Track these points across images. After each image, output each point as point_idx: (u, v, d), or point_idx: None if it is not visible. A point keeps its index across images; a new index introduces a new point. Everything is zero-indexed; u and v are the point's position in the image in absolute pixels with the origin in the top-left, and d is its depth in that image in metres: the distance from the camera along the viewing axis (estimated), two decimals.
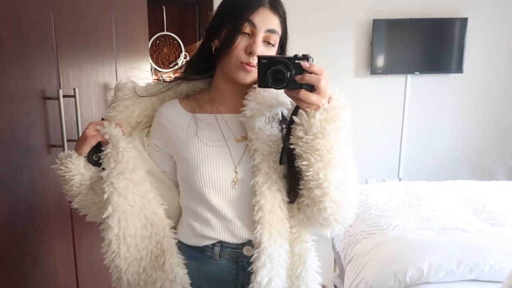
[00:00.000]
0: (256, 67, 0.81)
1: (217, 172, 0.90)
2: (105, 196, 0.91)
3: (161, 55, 3.03)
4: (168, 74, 3.03)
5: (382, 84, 3.46)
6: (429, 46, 3.32)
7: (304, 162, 0.81)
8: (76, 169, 0.92)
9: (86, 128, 0.93)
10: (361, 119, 3.40)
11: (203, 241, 0.95)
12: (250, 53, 0.85)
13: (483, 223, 1.96)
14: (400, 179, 3.61)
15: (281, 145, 0.88)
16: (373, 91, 3.47)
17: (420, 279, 1.48)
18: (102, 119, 0.97)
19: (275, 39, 0.89)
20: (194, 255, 0.97)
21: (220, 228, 0.92)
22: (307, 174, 0.81)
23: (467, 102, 3.48)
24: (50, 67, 1.17)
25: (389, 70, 3.38)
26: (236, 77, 0.89)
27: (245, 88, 0.92)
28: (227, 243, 0.93)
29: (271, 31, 0.87)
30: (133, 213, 0.92)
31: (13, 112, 1.01)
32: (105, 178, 0.92)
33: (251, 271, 0.91)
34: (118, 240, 0.91)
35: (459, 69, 3.32)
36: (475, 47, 3.32)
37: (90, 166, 0.94)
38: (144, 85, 1.02)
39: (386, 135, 3.56)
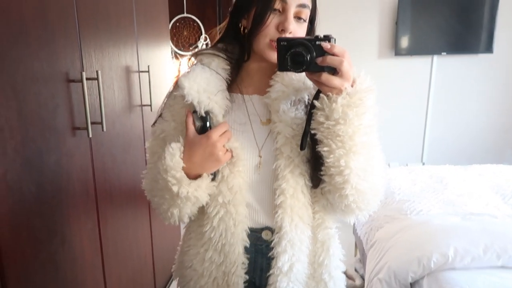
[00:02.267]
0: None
1: (246, 154, 0.88)
2: (214, 216, 0.89)
3: (181, 38, 3.01)
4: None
5: (407, 65, 3.35)
6: (457, 25, 3.18)
7: (325, 148, 0.78)
8: (210, 188, 0.87)
9: (214, 147, 0.82)
10: (385, 102, 3.31)
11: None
12: (282, 30, 0.82)
13: None
14: (423, 164, 3.53)
15: None
16: (398, 73, 3.37)
17: (445, 265, 1.44)
18: (194, 113, 0.85)
19: (306, 13, 0.85)
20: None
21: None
22: (328, 160, 0.79)
23: (496, 83, 3.33)
24: (73, 50, 1.18)
25: (414, 51, 3.26)
26: (268, 56, 0.85)
27: (275, 67, 0.88)
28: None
29: (302, 5, 0.83)
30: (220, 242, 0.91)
31: (38, 94, 1.03)
32: (213, 204, 0.89)
33: (272, 256, 0.89)
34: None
35: (488, 49, 3.17)
36: (507, 25, 3.16)
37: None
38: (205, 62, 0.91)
39: (410, 118, 3.47)
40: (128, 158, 1.60)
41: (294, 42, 0.74)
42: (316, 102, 0.77)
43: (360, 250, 2.12)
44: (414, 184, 2.24)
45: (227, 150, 0.85)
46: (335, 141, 0.77)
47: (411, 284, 1.48)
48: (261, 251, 0.93)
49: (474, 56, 3.29)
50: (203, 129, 0.85)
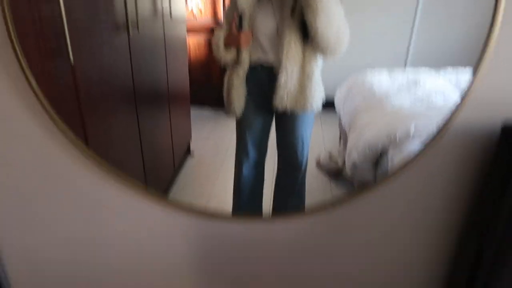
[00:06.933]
0: None
1: (267, 23, 1.57)
2: None
3: None
4: None
5: None
6: None
7: (303, 13, 1.42)
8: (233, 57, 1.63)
9: (238, 42, 1.57)
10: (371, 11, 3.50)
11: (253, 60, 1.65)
12: None
13: None
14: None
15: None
16: None
17: (407, 139, 1.88)
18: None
19: None
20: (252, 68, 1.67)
21: (261, 53, 1.63)
22: (305, 19, 1.43)
23: None
24: None
25: None
26: None
27: None
28: (265, 62, 1.63)
29: None
30: None
31: None
32: None
33: (275, 74, 1.57)
34: None
35: None
36: None
37: None
38: None
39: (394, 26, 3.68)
40: (158, 59, 1.89)
41: None
42: None
43: (343, 139, 2.56)
44: (392, 84, 2.62)
45: (248, 42, 1.54)
46: (307, 8, 1.40)
47: (380, 153, 1.93)
48: (270, 76, 1.62)
49: None
50: (238, 28, 1.59)
